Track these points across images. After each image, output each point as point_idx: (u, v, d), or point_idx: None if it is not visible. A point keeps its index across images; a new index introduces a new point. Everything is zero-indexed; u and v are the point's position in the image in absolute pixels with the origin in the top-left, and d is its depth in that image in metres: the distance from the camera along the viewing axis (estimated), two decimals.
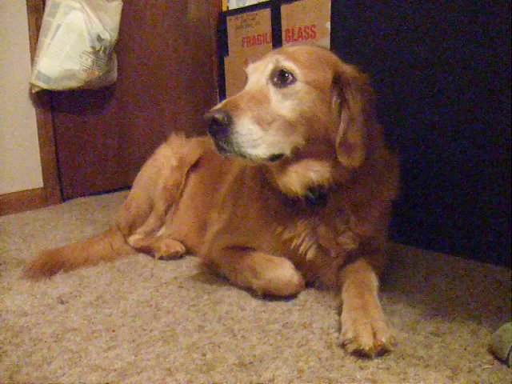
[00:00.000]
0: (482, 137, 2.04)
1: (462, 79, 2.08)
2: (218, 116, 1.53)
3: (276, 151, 1.60)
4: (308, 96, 1.62)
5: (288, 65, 1.63)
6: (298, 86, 1.62)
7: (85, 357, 1.45)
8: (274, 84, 1.64)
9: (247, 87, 1.70)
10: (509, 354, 1.28)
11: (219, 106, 1.58)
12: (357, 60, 1.74)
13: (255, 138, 1.55)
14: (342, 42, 2.57)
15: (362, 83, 1.67)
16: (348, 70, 1.69)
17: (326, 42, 2.75)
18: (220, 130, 1.54)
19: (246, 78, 1.74)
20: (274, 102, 1.61)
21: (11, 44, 3.41)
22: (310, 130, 1.62)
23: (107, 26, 3.51)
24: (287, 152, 1.62)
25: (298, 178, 1.66)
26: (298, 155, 1.65)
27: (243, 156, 1.56)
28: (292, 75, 1.62)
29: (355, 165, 1.62)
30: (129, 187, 2.72)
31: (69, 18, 3.36)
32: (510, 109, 1.93)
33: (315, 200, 1.72)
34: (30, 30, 3.47)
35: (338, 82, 1.65)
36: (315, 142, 1.64)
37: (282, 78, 1.63)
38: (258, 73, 1.69)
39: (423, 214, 2.25)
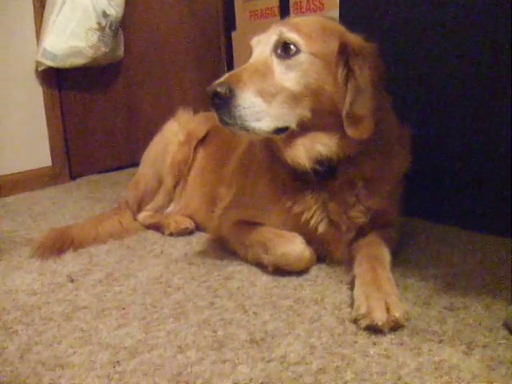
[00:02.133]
0: (492, 110, 2.00)
1: (472, 48, 2.04)
2: (220, 89, 1.52)
3: (280, 124, 1.58)
4: (313, 67, 1.59)
5: (291, 36, 1.60)
6: (302, 56, 1.59)
7: (95, 335, 1.44)
8: (278, 56, 1.61)
9: (251, 60, 1.67)
10: None
11: (222, 79, 1.56)
12: (366, 32, 1.70)
13: (258, 111, 1.53)
14: (351, 14, 2.52)
15: (369, 53, 1.63)
16: (355, 39, 1.66)
17: (335, 14, 2.70)
18: (222, 103, 1.52)
19: (251, 50, 1.71)
20: (278, 73, 1.59)
21: (16, 21, 3.36)
22: (315, 101, 1.60)
23: (112, 1, 3.47)
24: (292, 125, 1.60)
25: (305, 151, 1.64)
26: (304, 128, 1.62)
27: (247, 129, 1.55)
28: (296, 46, 1.59)
29: (363, 137, 1.59)
30: (137, 164, 2.70)
31: None
32: None
33: (324, 173, 1.69)
34: (34, 6, 3.41)
35: (344, 52, 1.62)
36: (322, 114, 1.62)
37: (285, 49, 1.60)
38: (262, 45, 1.67)
39: (435, 187, 2.22)
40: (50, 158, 3.59)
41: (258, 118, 1.54)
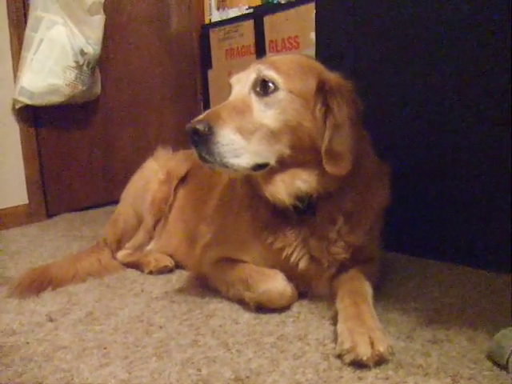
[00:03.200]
0: (473, 143, 2.04)
1: (450, 85, 2.08)
2: (199, 127, 1.53)
3: (260, 160, 1.59)
4: (291, 104, 1.61)
5: (270, 74, 1.62)
6: (281, 94, 1.61)
7: (77, 376, 1.41)
8: (257, 93, 1.63)
9: (230, 97, 1.69)
10: (508, 360, 1.27)
11: (201, 117, 1.58)
12: (342, 70, 1.73)
13: (237, 148, 1.54)
14: (327, 53, 2.56)
15: (346, 91, 1.66)
16: (332, 77, 1.68)
17: (311, 52, 2.75)
18: (202, 140, 1.53)
19: (230, 88, 1.74)
20: (257, 111, 1.61)
21: None
22: (294, 138, 1.61)
23: (90, 39, 3.50)
24: (272, 161, 1.62)
25: (284, 187, 1.65)
26: (283, 164, 1.64)
27: (226, 166, 1.56)
28: (274, 84, 1.61)
29: (342, 173, 1.61)
30: (115, 202, 2.70)
31: (51, 32, 3.34)
32: (504, 115, 1.94)
33: (304, 209, 1.70)
34: (12, 45, 3.44)
35: (322, 89, 1.64)
36: (301, 151, 1.63)
37: (264, 87, 1.62)
38: (241, 83, 1.69)
39: (414, 222, 2.24)
40: (26, 196, 3.57)
41: (236, 154, 1.55)
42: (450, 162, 2.12)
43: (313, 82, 1.65)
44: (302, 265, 1.75)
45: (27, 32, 3.37)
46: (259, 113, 1.60)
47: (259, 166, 1.61)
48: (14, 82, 3.41)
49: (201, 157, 1.57)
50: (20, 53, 3.39)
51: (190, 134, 1.55)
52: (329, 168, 1.59)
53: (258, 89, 1.63)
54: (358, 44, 2.41)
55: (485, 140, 2.01)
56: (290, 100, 1.61)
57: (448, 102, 2.10)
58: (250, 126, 1.58)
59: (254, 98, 1.63)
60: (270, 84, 1.61)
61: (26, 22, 3.41)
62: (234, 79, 1.74)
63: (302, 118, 1.61)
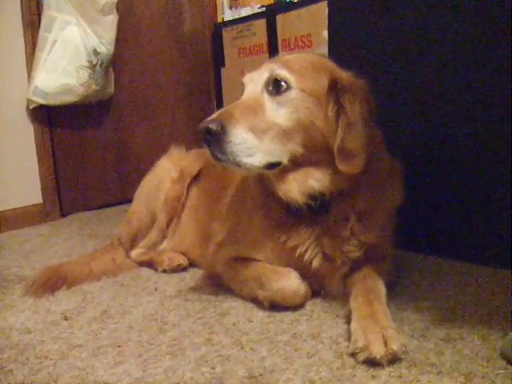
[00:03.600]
0: (484, 141, 2.04)
1: (461, 84, 2.08)
2: (212, 126, 1.54)
3: (272, 159, 1.60)
4: (303, 103, 1.62)
5: (282, 73, 1.63)
6: (293, 93, 1.62)
7: (92, 373, 1.43)
8: (269, 92, 1.64)
9: (243, 97, 1.70)
10: None
11: (214, 116, 1.59)
12: (355, 68, 1.73)
13: (250, 147, 1.55)
14: (339, 51, 2.56)
15: (359, 89, 1.66)
16: (345, 76, 1.69)
17: (323, 50, 2.74)
18: (215, 139, 1.54)
19: (243, 88, 1.74)
20: (269, 110, 1.61)
21: (8, 60, 3.40)
22: (307, 137, 1.62)
23: (103, 39, 3.51)
24: (284, 160, 1.62)
25: (297, 186, 1.65)
26: (296, 163, 1.64)
27: (238, 165, 1.57)
28: (286, 83, 1.62)
29: (354, 171, 1.61)
30: (129, 201, 2.71)
31: (65, 32, 3.36)
32: (509, 114, 1.93)
33: (317, 208, 1.70)
34: (26, 45, 3.46)
35: (334, 88, 1.64)
36: (313, 150, 1.64)
37: (276, 86, 1.63)
38: (254, 82, 1.70)
39: (428, 220, 2.23)
40: (40, 195, 3.60)
41: (249, 153, 1.55)
42: (464, 160, 2.11)
43: (325, 80, 1.66)
44: (316, 263, 1.75)
45: (41, 32, 3.39)
46: (272, 112, 1.61)
47: (272, 165, 1.61)
48: (28, 82, 3.43)
49: (214, 156, 1.58)
50: (34, 53, 3.42)
51: (202, 133, 1.55)
52: (341, 167, 1.60)
53: (270, 88, 1.64)
54: (371, 42, 2.41)
55: (498, 138, 2.00)
56: (302, 99, 1.62)
57: (460, 98, 2.09)
58: (263, 124, 1.58)
59: (266, 97, 1.64)
60: (283, 83, 1.62)
61: (39, 23, 3.43)
62: (246, 78, 1.75)
63: (314, 116, 1.62)
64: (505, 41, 1.90)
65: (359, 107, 1.62)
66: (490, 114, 2.01)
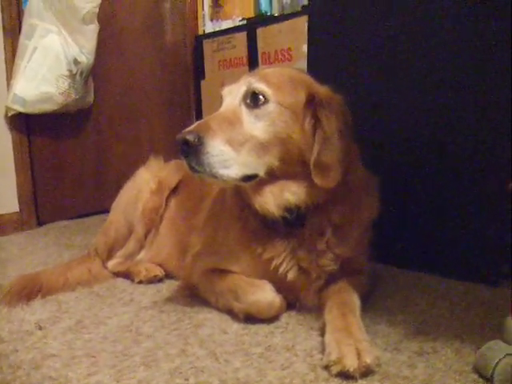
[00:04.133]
0: (463, 156, 2.07)
1: (441, 99, 2.11)
2: (189, 137, 1.55)
3: (249, 172, 1.61)
4: (280, 117, 1.63)
5: (260, 86, 1.65)
6: (271, 106, 1.63)
7: (65, 383, 1.42)
8: (247, 105, 1.66)
9: (221, 109, 1.72)
10: (493, 373, 1.28)
11: (191, 127, 1.60)
12: (333, 82, 1.75)
13: (226, 159, 1.56)
14: (318, 65, 2.59)
15: (336, 104, 1.68)
16: (322, 90, 1.71)
17: (303, 64, 2.77)
18: (192, 151, 1.55)
19: (222, 100, 1.76)
20: (247, 123, 1.63)
21: None
22: (283, 150, 1.63)
23: (84, 49, 3.51)
24: (261, 173, 1.63)
25: (273, 199, 1.66)
26: (272, 176, 1.65)
27: (215, 176, 1.58)
28: (264, 96, 1.64)
29: (330, 185, 1.62)
30: (106, 211, 2.70)
31: (45, 40, 3.36)
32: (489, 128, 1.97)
33: (293, 221, 1.72)
34: (5, 52, 3.45)
35: (311, 102, 1.67)
36: (290, 163, 1.65)
37: (254, 99, 1.65)
38: (232, 95, 1.71)
39: (403, 234, 2.25)
40: (17, 204, 3.57)
41: (226, 165, 1.56)
42: (439, 175, 2.14)
43: (302, 94, 1.68)
44: (291, 276, 1.76)
45: (21, 40, 3.38)
46: (249, 124, 1.62)
47: (248, 177, 1.62)
48: (7, 89, 3.42)
49: (191, 167, 1.59)
50: (13, 60, 3.41)
51: (180, 144, 1.56)
52: (317, 180, 1.61)
53: (248, 101, 1.65)
54: (350, 57, 2.44)
55: (475, 153, 2.03)
56: (279, 112, 1.63)
57: (438, 115, 2.12)
58: (240, 137, 1.59)
59: (244, 110, 1.65)
60: (261, 96, 1.63)
61: (20, 30, 3.42)
62: (225, 91, 1.76)
63: (291, 130, 1.63)
64: (497, 48, 1.93)
65: (336, 121, 1.64)
66: (470, 128, 2.04)
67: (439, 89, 2.10)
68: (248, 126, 1.62)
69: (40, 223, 3.71)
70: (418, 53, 2.15)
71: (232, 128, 1.60)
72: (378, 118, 2.32)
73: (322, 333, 1.57)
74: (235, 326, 1.74)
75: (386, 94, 2.29)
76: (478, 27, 1.98)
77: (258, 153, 1.61)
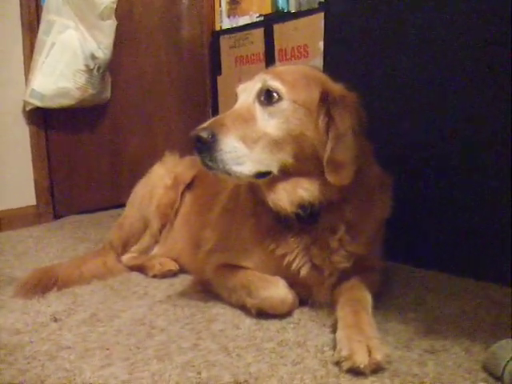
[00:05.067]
0: (474, 153, 2.06)
1: (458, 97, 2.10)
2: (203, 134, 1.56)
3: (262, 168, 1.62)
4: (294, 114, 1.64)
5: (274, 84, 1.65)
6: (284, 104, 1.64)
7: (79, 375, 1.44)
8: (261, 103, 1.66)
9: (236, 106, 1.73)
10: (503, 371, 1.29)
11: (205, 124, 1.61)
12: (349, 80, 1.76)
13: (240, 156, 1.57)
14: (335, 62, 2.59)
15: (350, 102, 1.68)
16: (336, 88, 1.71)
17: (319, 61, 2.77)
18: (205, 147, 1.57)
19: (237, 97, 1.77)
20: (260, 120, 1.64)
21: (6, 62, 3.43)
22: (297, 147, 1.64)
23: (101, 44, 3.53)
24: (274, 170, 1.64)
25: (287, 196, 1.67)
26: (286, 173, 1.66)
27: (228, 173, 1.59)
28: (278, 94, 1.64)
29: (343, 183, 1.63)
30: (122, 205, 2.72)
31: (63, 36, 3.39)
32: (499, 128, 1.96)
33: (306, 218, 1.72)
34: (24, 48, 3.49)
35: (325, 100, 1.67)
36: (303, 160, 1.66)
37: (268, 96, 1.65)
38: (247, 92, 1.72)
39: (415, 232, 2.25)
40: (34, 197, 3.61)
41: (239, 162, 1.58)
42: (454, 173, 2.13)
43: (316, 92, 1.68)
44: (304, 272, 1.77)
45: (39, 35, 3.42)
46: (263, 122, 1.63)
47: (261, 174, 1.64)
48: (26, 84, 3.45)
49: (204, 164, 1.60)
50: (32, 56, 3.44)
51: (193, 141, 1.58)
52: (331, 178, 1.62)
53: (262, 98, 1.66)
54: (366, 54, 2.44)
55: (490, 151, 2.02)
56: (293, 110, 1.64)
57: (452, 112, 2.12)
58: (254, 134, 1.61)
59: (258, 108, 1.66)
60: (275, 94, 1.64)
61: (38, 26, 3.46)
62: (240, 88, 1.77)
63: (304, 127, 1.64)
64: (506, 44, 1.93)
65: (349, 119, 1.64)
66: (480, 127, 2.04)
67: (455, 86, 2.09)
68: (262, 124, 1.63)
69: (56, 217, 3.75)
70: (438, 52, 2.14)
71: (246, 125, 1.61)
72: (394, 115, 2.31)
73: (334, 329, 1.58)
74: (248, 322, 1.76)
75: (402, 91, 2.28)
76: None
77: (271, 150, 1.62)
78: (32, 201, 3.60)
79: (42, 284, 2.14)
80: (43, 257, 2.74)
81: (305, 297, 1.84)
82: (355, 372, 1.36)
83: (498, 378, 1.31)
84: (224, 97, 4.46)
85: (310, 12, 3.62)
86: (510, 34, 1.88)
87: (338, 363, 1.41)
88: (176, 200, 2.44)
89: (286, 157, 1.64)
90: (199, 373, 1.42)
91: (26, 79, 3.47)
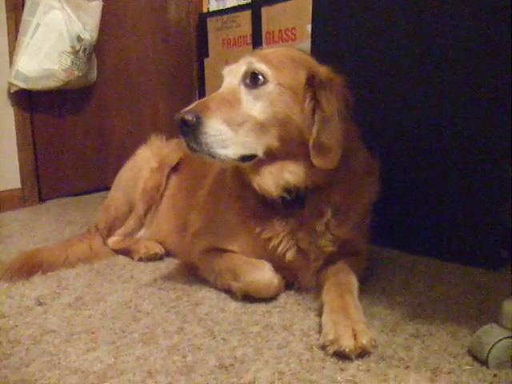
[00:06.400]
0: (463, 139, 2.06)
1: (446, 80, 2.10)
2: (188, 117, 1.56)
3: (247, 152, 1.62)
4: (280, 97, 1.63)
5: (259, 66, 1.64)
6: (270, 87, 1.63)
7: (64, 359, 1.43)
8: (246, 86, 1.66)
9: (221, 89, 1.72)
10: (488, 355, 1.29)
11: (190, 107, 1.60)
12: (337, 63, 1.74)
13: (224, 139, 1.57)
14: (323, 45, 2.57)
15: (336, 85, 1.67)
16: (323, 71, 1.70)
17: (307, 44, 2.75)
18: (190, 130, 1.56)
19: (222, 80, 1.75)
20: (246, 103, 1.63)
21: None
22: (282, 131, 1.63)
23: (87, 25, 3.49)
24: (259, 153, 1.64)
25: (272, 179, 1.67)
26: (271, 156, 1.65)
27: (213, 156, 1.59)
28: (263, 76, 1.63)
29: (329, 166, 1.62)
30: (107, 188, 2.71)
31: (48, 17, 3.34)
32: (489, 117, 1.96)
33: (292, 201, 1.72)
34: (8, 28, 3.43)
35: (311, 83, 1.66)
36: (289, 144, 1.65)
37: (253, 79, 1.65)
38: (232, 75, 1.71)
39: (402, 217, 2.26)
40: (19, 180, 3.58)
41: (224, 145, 1.57)
42: (440, 158, 2.14)
43: (303, 75, 1.67)
44: (289, 256, 1.76)
45: (24, 16, 3.37)
46: (248, 105, 1.63)
47: (247, 158, 1.63)
48: (10, 65, 3.41)
49: (189, 146, 1.60)
50: (16, 37, 3.39)
51: (178, 123, 1.57)
52: (316, 161, 1.61)
53: (247, 81, 1.65)
54: (354, 37, 2.42)
55: (474, 137, 2.02)
56: (278, 93, 1.63)
57: (442, 97, 2.11)
58: (238, 117, 1.60)
59: (243, 90, 1.65)
60: (260, 77, 1.63)
61: (23, 6, 3.41)
62: (225, 71, 1.76)
63: (290, 110, 1.63)
64: (504, 41, 1.92)
65: (336, 103, 1.64)
66: (472, 113, 2.03)
67: (446, 74, 2.09)
68: (247, 106, 1.62)
69: (41, 200, 3.72)
70: (426, 34, 2.13)
71: (231, 108, 1.61)
72: (381, 98, 2.31)
73: (320, 313, 1.58)
74: (233, 305, 1.76)
75: (389, 73, 2.27)
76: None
77: (256, 133, 1.61)
78: (17, 184, 3.57)
79: (27, 267, 2.12)
80: (28, 240, 2.72)
81: (290, 280, 1.84)
82: (341, 356, 1.36)
83: (483, 362, 1.32)
84: (211, 79, 4.44)
85: None
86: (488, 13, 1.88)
87: (323, 347, 1.41)
88: (162, 183, 2.43)
89: (271, 140, 1.63)
90: (184, 356, 1.42)
91: (11, 61, 3.42)
